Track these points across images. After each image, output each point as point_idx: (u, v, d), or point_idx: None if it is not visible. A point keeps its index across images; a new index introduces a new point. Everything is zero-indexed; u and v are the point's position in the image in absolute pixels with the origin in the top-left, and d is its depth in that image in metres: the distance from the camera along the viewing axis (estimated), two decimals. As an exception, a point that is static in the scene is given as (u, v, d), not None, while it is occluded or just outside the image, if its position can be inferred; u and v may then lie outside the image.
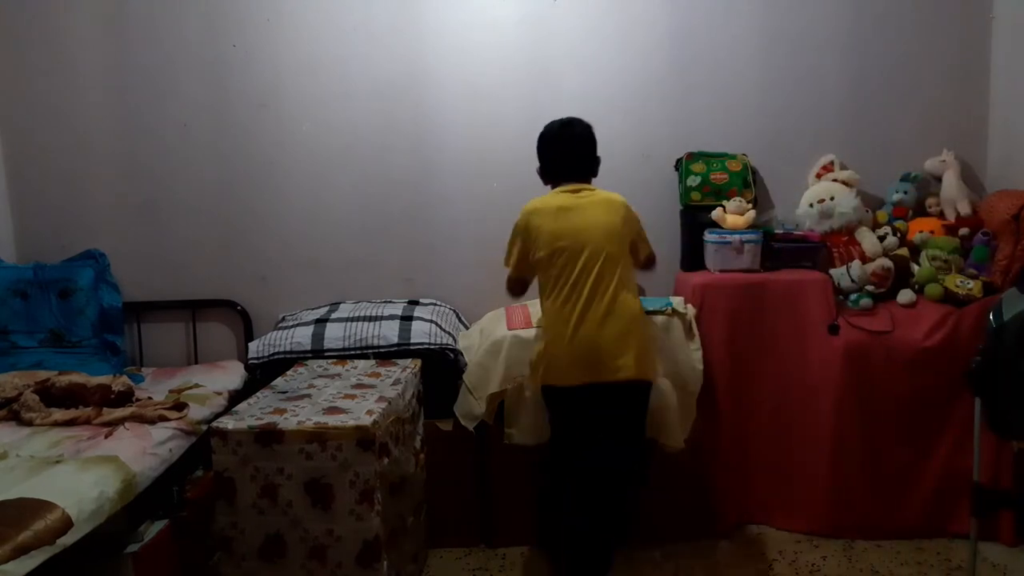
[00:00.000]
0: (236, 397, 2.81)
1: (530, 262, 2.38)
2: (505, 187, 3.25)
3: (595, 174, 2.49)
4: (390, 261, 3.30)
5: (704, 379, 2.74)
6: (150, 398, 2.70)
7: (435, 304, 3.16)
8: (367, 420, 2.09)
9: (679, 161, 3.17)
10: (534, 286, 3.31)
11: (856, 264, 2.90)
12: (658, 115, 3.23)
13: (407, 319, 2.89)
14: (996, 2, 3.14)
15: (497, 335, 2.72)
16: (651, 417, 2.68)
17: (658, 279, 3.23)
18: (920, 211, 3.16)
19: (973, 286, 2.76)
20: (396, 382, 2.47)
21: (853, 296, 2.87)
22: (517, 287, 2.50)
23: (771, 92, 3.22)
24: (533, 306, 3.01)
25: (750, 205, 3.03)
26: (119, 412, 2.51)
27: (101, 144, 3.24)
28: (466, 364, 2.78)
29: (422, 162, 3.25)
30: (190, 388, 2.83)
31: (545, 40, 3.18)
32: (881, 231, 3.03)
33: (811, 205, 3.07)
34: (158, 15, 3.17)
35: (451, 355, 2.80)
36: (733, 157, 3.13)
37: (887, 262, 2.91)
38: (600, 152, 3.24)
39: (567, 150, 2.46)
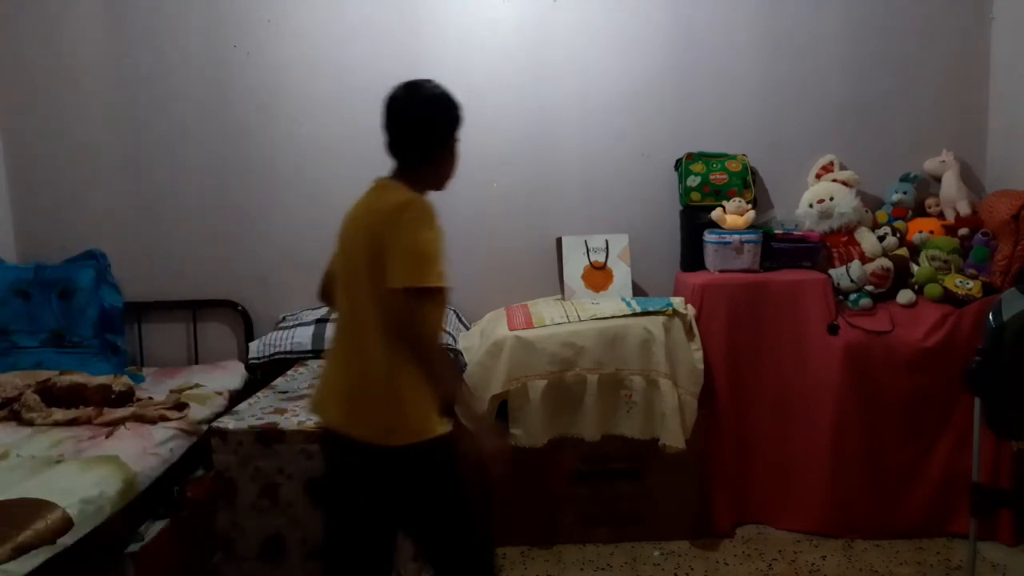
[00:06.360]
0: (236, 397, 2.81)
1: None
2: (505, 187, 3.25)
3: (415, 164, 1.78)
4: (390, 261, 3.30)
5: (704, 379, 2.75)
6: (151, 398, 2.71)
7: (435, 304, 3.16)
8: (367, 420, 2.09)
9: (679, 161, 3.18)
10: (542, 283, 3.30)
11: (856, 264, 2.90)
12: (658, 115, 3.23)
13: (407, 319, 2.89)
14: (996, 2, 3.14)
15: (498, 335, 2.73)
16: (652, 417, 2.70)
17: (658, 279, 3.25)
18: (920, 211, 3.17)
19: (972, 286, 2.76)
20: (396, 382, 2.47)
21: (853, 296, 2.87)
22: (324, 281, 1.94)
23: (771, 92, 3.22)
24: (534, 306, 3.02)
25: (750, 205, 3.03)
26: (120, 412, 2.52)
27: (102, 144, 3.25)
28: (466, 364, 2.78)
29: (422, 162, 3.24)
30: (191, 388, 2.84)
31: (545, 41, 3.18)
32: (881, 231, 3.03)
33: (811, 205, 3.07)
34: (158, 16, 3.17)
35: (451, 355, 2.81)
36: (733, 157, 3.13)
37: (887, 262, 2.91)
38: (600, 152, 3.27)
39: (385, 126, 1.80)
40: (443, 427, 1.66)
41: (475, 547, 1.75)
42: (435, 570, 1.75)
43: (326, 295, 1.93)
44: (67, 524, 1.89)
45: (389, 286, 1.58)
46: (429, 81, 1.81)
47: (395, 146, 1.78)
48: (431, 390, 1.64)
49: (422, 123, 1.77)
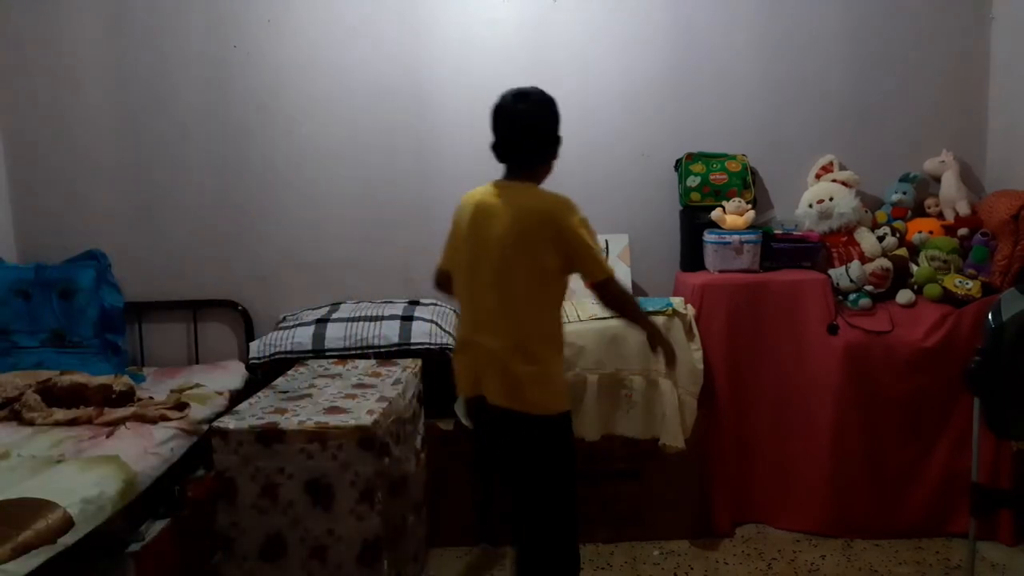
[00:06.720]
0: (237, 397, 2.81)
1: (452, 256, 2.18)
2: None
3: (532, 166, 2.07)
4: (390, 261, 3.30)
5: (704, 379, 2.75)
6: (151, 398, 2.71)
7: (435, 304, 3.16)
8: (368, 420, 2.09)
9: (679, 161, 3.18)
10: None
11: (855, 264, 2.90)
12: (658, 115, 3.23)
13: (407, 319, 2.90)
14: (996, 2, 3.15)
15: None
16: (652, 417, 2.71)
17: (658, 279, 3.25)
18: (919, 211, 3.17)
19: (972, 286, 2.76)
20: (397, 382, 2.47)
21: (852, 296, 2.87)
22: (439, 278, 2.24)
23: (771, 92, 3.22)
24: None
25: (749, 205, 3.03)
26: (120, 412, 2.52)
27: (102, 145, 3.25)
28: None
29: (422, 163, 3.25)
30: (191, 388, 2.84)
31: (546, 41, 3.19)
32: (880, 231, 3.04)
33: (810, 205, 3.08)
34: (158, 16, 3.17)
35: (451, 355, 2.80)
36: (732, 158, 3.13)
37: (886, 262, 2.92)
38: (600, 152, 3.27)
39: (498, 132, 2.07)
40: (569, 404, 2.04)
41: (570, 516, 2.05)
42: (529, 532, 2.06)
43: (444, 286, 2.22)
44: (67, 524, 1.89)
45: (588, 283, 2.00)
46: (534, 88, 2.07)
47: (512, 150, 2.05)
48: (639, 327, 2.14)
49: (537, 129, 2.03)
